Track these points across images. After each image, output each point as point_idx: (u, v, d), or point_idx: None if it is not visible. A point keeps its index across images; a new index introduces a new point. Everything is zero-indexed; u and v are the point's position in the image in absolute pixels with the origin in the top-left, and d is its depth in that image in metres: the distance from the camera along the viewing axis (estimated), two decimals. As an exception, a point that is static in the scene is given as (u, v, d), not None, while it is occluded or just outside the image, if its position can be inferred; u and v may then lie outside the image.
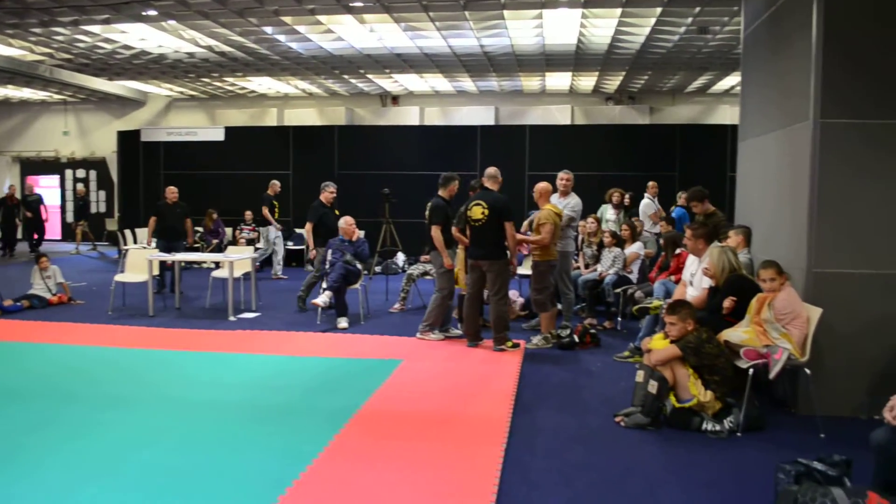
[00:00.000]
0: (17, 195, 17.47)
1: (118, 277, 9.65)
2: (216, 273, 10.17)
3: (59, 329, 8.30)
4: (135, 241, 14.71)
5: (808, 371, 5.03)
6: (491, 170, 7.51)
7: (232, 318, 8.84)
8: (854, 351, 5.22)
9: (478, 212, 7.20)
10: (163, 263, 10.35)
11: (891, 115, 5.16)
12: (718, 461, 4.42)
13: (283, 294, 11.00)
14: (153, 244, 10.91)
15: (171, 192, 11.29)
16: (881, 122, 5.17)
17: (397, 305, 9.59)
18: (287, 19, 11.46)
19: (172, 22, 11.57)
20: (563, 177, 8.14)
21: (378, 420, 5.10)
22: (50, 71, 15.33)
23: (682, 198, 7.90)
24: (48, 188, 20.47)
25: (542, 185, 7.75)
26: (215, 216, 14.87)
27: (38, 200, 17.41)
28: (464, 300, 7.61)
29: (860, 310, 5.21)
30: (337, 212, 9.79)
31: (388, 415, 5.22)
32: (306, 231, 9.78)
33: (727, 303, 5.50)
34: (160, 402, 5.48)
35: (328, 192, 10.05)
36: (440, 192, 7.79)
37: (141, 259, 9.68)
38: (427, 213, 7.78)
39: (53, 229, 20.38)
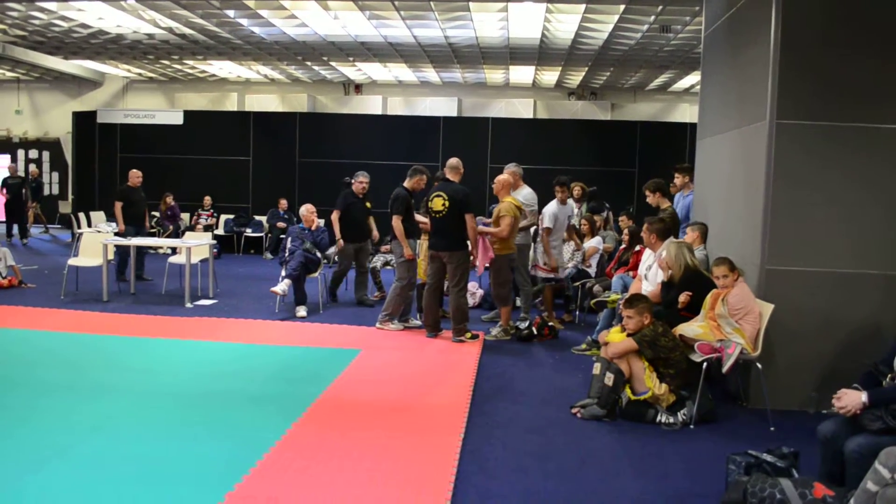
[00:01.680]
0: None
1: (72, 261, 9.44)
2: (173, 259, 10.02)
3: (9, 313, 8.09)
4: (89, 225, 14.41)
5: (759, 365, 5.15)
6: (452, 161, 7.53)
7: (189, 305, 8.73)
8: (804, 347, 5.36)
9: (438, 203, 7.21)
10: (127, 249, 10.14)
11: (844, 117, 5.30)
12: (672, 452, 4.52)
13: (241, 281, 10.89)
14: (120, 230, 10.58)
15: (136, 176, 11.00)
16: (835, 125, 5.30)
17: (377, 293, 9.58)
18: (250, 3, 11.30)
19: (132, 1, 11.32)
20: (506, 171, 8.14)
21: (336, 409, 5.09)
22: (3, 48, 14.88)
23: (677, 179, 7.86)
24: (-2, 168, 19.90)
25: (503, 178, 7.79)
26: (170, 200, 14.62)
27: (20, 184, 16.26)
28: (423, 290, 7.62)
29: (811, 306, 5.35)
30: (369, 204, 9.35)
31: (346, 404, 5.22)
32: (333, 220, 9.19)
33: (682, 297, 5.60)
34: (110, 389, 5.38)
35: (358, 182, 9.33)
36: (405, 183, 7.78)
37: (95, 243, 9.49)
38: (389, 202, 7.76)
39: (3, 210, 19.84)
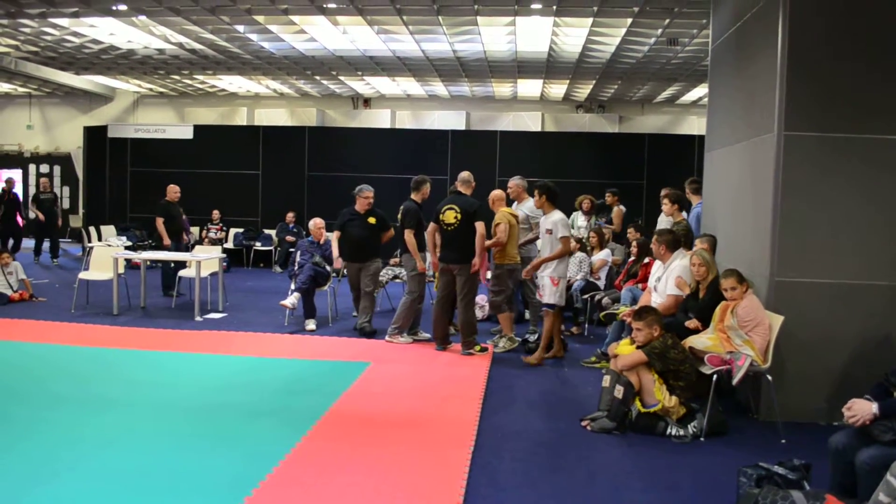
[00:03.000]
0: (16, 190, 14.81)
1: (82, 275, 9.50)
2: (183, 272, 10.06)
3: (19, 326, 8.14)
4: (99, 239, 14.48)
5: (769, 377, 5.13)
6: (464, 174, 7.53)
7: (198, 319, 8.75)
8: (814, 358, 5.34)
9: (450, 216, 7.23)
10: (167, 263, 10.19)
11: (852, 128, 5.29)
12: (682, 465, 4.50)
13: (250, 295, 10.92)
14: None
15: (175, 192, 10.91)
16: (843, 136, 5.30)
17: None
18: (259, 18, 11.39)
19: (143, 17, 11.43)
20: (510, 184, 8.21)
21: (345, 423, 5.09)
22: (15, 63, 15.03)
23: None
24: (10, 183, 20.03)
25: (496, 192, 7.95)
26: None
27: (53, 199, 14.97)
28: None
29: (820, 318, 5.33)
30: (373, 219, 8.39)
31: (355, 417, 5.22)
32: (332, 239, 8.52)
33: (691, 325, 5.58)
34: (120, 402, 5.41)
35: (363, 198, 8.32)
36: (413, 196, 7.80)
37: (106, 257, 9.55)
38: (399, 216, 7.78)
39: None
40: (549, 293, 6.99)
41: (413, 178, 7.91)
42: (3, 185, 14.29)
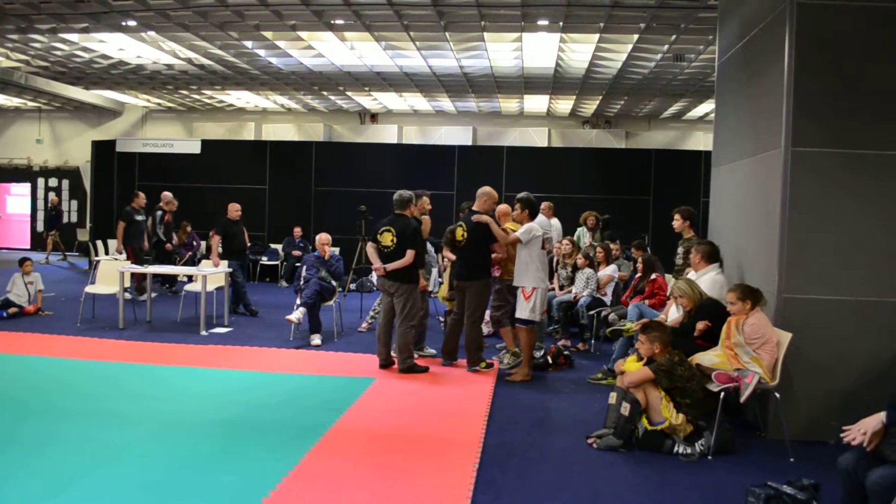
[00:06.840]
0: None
1: (89, 289, 9.51)
2: (189, 287, 10.06)
3: (26, 340, 8.14)
4: (106, 252, 14.51)
5: (777, 395, 5.09)
6: (479, 191, 7.41)
7: (204, 333, 8.74)
8: (823, 376, 5.29)
9: (459, 233, 7.24)
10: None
11: (860, 144, 5.27)
12: (689, 484, 4.45)
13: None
14: (221, 265, 9.92)
15: (236, 210, 10.59)
16: (851, 152, 5.28)
17: (364, 325, 9.49)
18: (268, 34, 11.47)
19: (152, 33, 11.52)
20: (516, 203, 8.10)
21: (350, 438, 5.06)
22: (25, 78, 15.16)
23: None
24: (19, 196, 20.19)
25: (502, 207, 7.87)
26: (189, 229, 14.71)
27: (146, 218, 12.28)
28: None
29: (829, 335, 5.29)
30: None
31: (360, 433, 5.19)
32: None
33: (700, 325, 5.55)
34: (125, 416, 5.39)
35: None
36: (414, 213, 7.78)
37: (112, 270, 9.57)
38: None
39: (23, 238, 20.08)
40: (521, 306, 6.88)
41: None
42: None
